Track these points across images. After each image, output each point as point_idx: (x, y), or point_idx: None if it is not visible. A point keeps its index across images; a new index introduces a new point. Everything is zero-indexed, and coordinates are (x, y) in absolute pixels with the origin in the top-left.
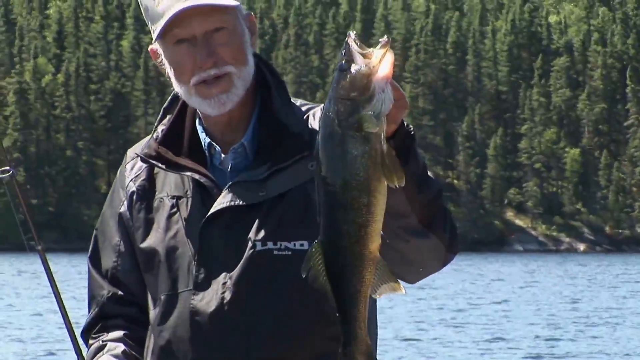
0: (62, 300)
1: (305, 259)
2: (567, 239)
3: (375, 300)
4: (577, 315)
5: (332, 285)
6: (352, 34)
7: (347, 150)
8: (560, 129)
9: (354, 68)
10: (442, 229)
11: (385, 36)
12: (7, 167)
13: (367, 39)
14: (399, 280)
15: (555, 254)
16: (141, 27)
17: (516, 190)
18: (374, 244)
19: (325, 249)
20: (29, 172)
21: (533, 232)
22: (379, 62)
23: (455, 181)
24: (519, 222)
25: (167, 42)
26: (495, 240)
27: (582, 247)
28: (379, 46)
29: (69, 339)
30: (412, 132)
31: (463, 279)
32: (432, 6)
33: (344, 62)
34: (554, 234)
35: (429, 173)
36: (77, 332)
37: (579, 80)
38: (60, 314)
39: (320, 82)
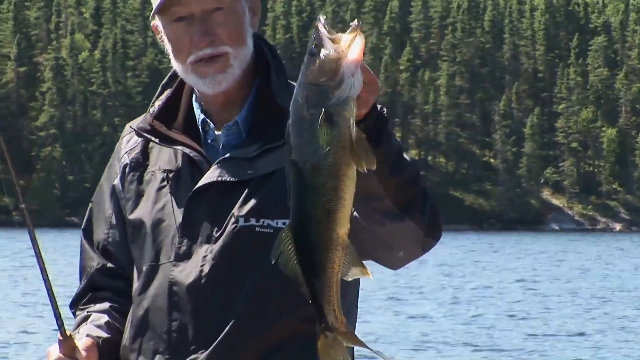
0: (47, 272)
1: (275, 244)
2: (604, 219)
3: (357, 287)
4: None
5: (303, 270)
6: (321, 18)
7: (315, 135)
8: (598, 108)
9: (322, 53)
10: (420, 212)
11: (356, 20)
12: None
13: (404, 18)
14: (365, 265)
15: (591, 233)
16: None
17: (553, 170)
18: (343, 228)
19: (295, 233)
20: (66, 148)
21: (569, 212)
22: (348, 46)
23: (492, 160)
24: (555, 201)
25: (166, 18)
26: (531, 220)
27: (618, 226)
28: (348, 30)
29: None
30: (385, 115)
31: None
32: None
33: (313, 46)
34: (590, 213)
35: (405, 156)
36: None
37: (617, 60)
38: (45, 286)
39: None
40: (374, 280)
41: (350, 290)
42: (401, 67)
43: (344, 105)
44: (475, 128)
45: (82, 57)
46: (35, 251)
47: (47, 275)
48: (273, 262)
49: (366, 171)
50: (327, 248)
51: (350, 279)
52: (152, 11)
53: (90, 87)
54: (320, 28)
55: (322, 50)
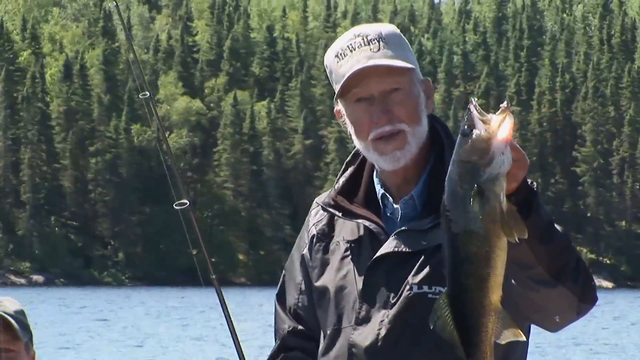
0: (234, 330)
1: (432, 310)
2: None
3: (524, 349)
4: None
5: (459, 334)
6: (473, 100)
7: (468, 209)
8: None
9: (474, 133)
10: (572, 280)
11: (505, 102)
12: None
13: None
14: (519, 327)
15: None
16: (452, 80)
17: None
18: (495, 295)
19: (451, 300)
20: None
21: None
22: (498, 126)
23: None
24: None
25: (347, 100)
26: None
27: None
28: (498, 112)
29: None
30: (535, 189)
31: None
32: None
33: (465, 127)
34: None
35: (557, 226)
36: None
37: None
38: (234, 347)
39: (616, 131)
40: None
41: (518, 350)
42: None
43: (494, 181)
44: None
45: None
46: (226, 318)
47: (237, 338)
48: (431, 327)
49: (517, 241)
50: (481, 313)
51: (503, 342)
52: (335, 94)
53: None
54: (472, 109)
55: (474, 130)
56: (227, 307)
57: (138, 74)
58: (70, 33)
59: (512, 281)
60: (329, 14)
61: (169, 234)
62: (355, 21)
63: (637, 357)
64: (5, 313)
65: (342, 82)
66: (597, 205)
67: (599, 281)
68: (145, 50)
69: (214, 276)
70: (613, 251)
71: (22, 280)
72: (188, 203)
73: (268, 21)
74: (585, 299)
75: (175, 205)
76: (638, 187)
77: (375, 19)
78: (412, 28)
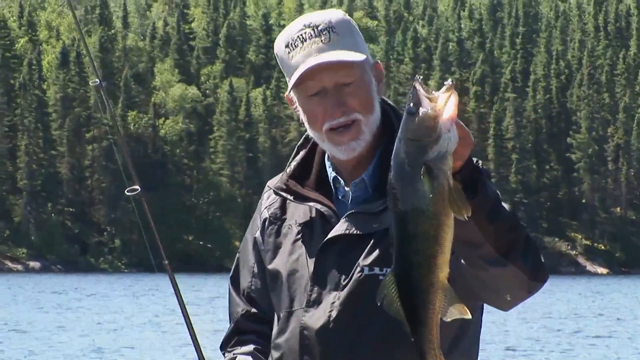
0: (188, 316)
1: (379, 288)
2: None
3: (478, 326)
4: None
5: (405, 312)
6: (418, 77)
7: (417, 187)
8: None
9: (421, 111)
10: (522, 258)
11: (450, 79)
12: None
13: None
14: (464, 305)
15: None
16: (447, 67)
17: None
18: (443, 273)
19: (398, 278)
20: None
21: None
22: (444, 104)
23: None
24: None
25: (300, 92)
26: None
27: None
28: (443, 89)
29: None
30: (479, 167)
31: None
32: None
33: (411, 105)
34: None
35: (504, 204)
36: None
37: None
38: (188, 331)
39: (611, 118)
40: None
41: (470, 329)
42: None
43: (442, 159)
44: None
45: None
46: (179, 304)
47: (190, 324)
48: (378, 304)
49: (465, 219)
50: (428, 291)
51: (449, 320)
52: (289, 87)
53: None
54: (417, 87)
55: (420, 108)
56: (180, 294)
57: (88, 61)
58: (66, 20)
59: (462, 260)
60: (325, 2)
61: (165, 221)
62: (350, 8)
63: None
64: None
65: (295, 77)
66: (592, 192)
67: (593, 267)
68: (142, 38)
69: (166, 261)
70: (608, 237)
71: (19, 267)
72: (139, 189)
73: (264, 9)
74: (536, 277)
75: (127, 191)
76: (633, 173)
77: (370, 6)
78: (407, 15)
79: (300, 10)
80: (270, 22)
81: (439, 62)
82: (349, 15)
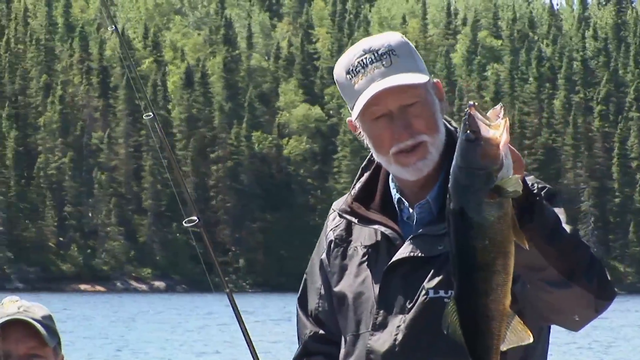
0: (249, 337)
1: (444, 315)
2: None
3: (544, 349)
4: None
5: (468, 339)
6: (472, 103)
7: (483, 217)
8: None
9: (483, 139)
10: (586, 278)
11: (500, 103)
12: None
13: None
14: (527, 330)
15: None
16: (572, 87)
17: None
18: (507, 300)
19: (460, 305)
20: None
21: None
22: (502, 130)
23: None
24: None
25: (365, 117)
26: None
27: None
28: (499, 113)
29: None
30: (535, 190)
31: None
32: None
33: (468, 132)
34: None
35: (566, 226)
36: None
37: None
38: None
39: None
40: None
41: (537, 350)
42: None
43: (512, 186)
44: None
45: None
46: (240, 325)
47: (252, 346)
48: (445, 332)
49: (527, 247)
50: (494, 318)
51: (505, 348)
52: (354, 114)
53: None
54: (474, 113)
55: (482, 135)
56: (239, 312)
57: (142, 95)
58: (191, 41)
59: (527, 284)
60: (449, 22)
61: (290, 241)
62: (475, 28)
63: None
64: (33, 319)
65: (361, 103)
66: None
67: None
68: (266, 58)
69: (227, 290)
70: None
71: (144, 287)
72: (197, 220)
73: (388, 28)
74: (602, 296)
75: (185, 222)
76: None
77: (495, 25)
78: (531, 34)
79: (424, 30)
80: None
81: (564, 82)
82: (473, 35)
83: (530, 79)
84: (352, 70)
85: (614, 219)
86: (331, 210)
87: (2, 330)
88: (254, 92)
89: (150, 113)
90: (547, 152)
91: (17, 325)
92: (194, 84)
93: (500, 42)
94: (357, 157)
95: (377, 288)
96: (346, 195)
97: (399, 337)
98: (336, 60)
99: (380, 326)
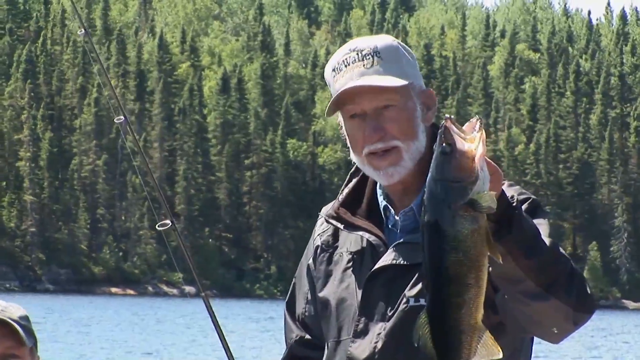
0: (226, 342)
1: (414, 329)
2: None
3: (529, 356)
4: None
5: (439, 352)
6: (448, 116)
7: (457, 230)
8: None
9: (459, 152)
10: (565, 291)
11: (477, 116)
12: (168, 221)
13: None
14: (497, 346)
15: None
16: (609, 102)
17: None
18: (480, 314)
19: (432, 319)
20: None
21: None
22: (478, 142)
23: None
24: None
25: (343, 115)
26: None
27: None
28: (475, 126)
29: None
30: (514, 203)
31: None
32: None
33: (444, 145)
34: None
35: (545, 238)
36: None
37: None
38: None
39: None
40: None
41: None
42: None
43: (481, 199)
44: None
45: (518, 149)
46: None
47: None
48: (416, 345)
49: (501, 261)
50: (466, 332)
51: None
52: (327, 110)
53: (524, 178)
54: (450, 126)
55: (457, 148)
56: (215, 317)
57: (111, 95)
58: (229, 46)
59: (505, 296)
60: (488, 33)
61: None
62: (513, 41)
63: None
64: (10, 319)
65: (332, 100)
66: None
67: None
68: (303, 65)
69: (202, 294)
70: None
71: (175, 291)
72: (170, 223)
73: (426, 39)
74: (581, 309)
75: (158, 226)
76: None
77: (533, 38)
78: (570, 49)
79: (463, 42)
80: (432, 52)
81: (601, 97)
82: (511, 47)
83: (568, 93)
84: (337, 68)
85: None
86: (319, 217)
87: None
88: (290, 99)
89: (122, 117)
90: (582, 167)
91: None
92: (230, 89)
93: (538, 55)
94: None
95: (359, 295)
96: (334, 200)
97: (379, 344)
98: None
99: (360, 333)
